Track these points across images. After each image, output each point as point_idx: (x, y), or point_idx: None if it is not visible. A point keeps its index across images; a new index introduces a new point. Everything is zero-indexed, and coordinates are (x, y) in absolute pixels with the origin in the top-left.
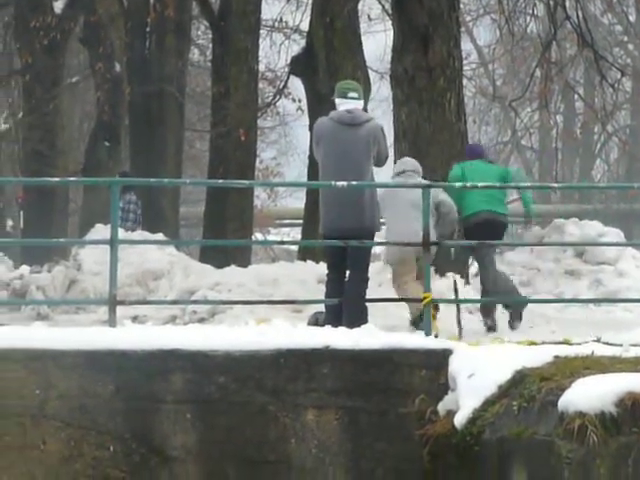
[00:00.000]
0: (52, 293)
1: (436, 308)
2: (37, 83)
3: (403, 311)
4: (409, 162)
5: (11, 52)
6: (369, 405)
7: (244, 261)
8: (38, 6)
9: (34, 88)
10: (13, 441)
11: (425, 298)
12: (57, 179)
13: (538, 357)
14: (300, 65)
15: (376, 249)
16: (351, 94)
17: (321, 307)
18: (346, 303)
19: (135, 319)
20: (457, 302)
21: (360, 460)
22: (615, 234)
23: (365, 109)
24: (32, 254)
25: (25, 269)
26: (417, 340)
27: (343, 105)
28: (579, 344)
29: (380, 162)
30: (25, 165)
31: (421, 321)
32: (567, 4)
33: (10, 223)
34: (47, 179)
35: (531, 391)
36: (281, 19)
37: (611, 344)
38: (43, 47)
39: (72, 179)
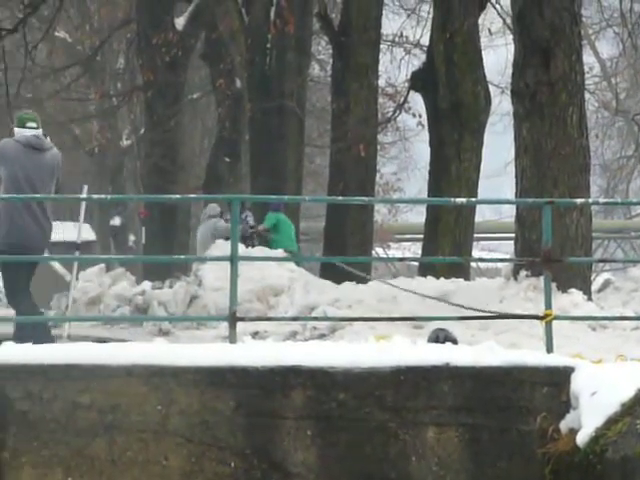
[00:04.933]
0: (173, 309)
1: None
2: (159, 99)
3: (524, 327)
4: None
5: (133, 69)
6: (490, 422)
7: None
8: (160, 23)
9: (156, 104)
10: (135, 457)
11: (547, 315)
12: (178, 196)
13: None
14: (420, 80)
15: (497, 265)
16: (29, 124)
17: (442, 324)
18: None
19: (255, 335)
20: (579, 319)
21: (482, 478)
22: None
23: (484, 124)
24: (154, 270)
25: (147, 285)
26: (539, 357)
27: (23, 134)
28: None
29: (58, 188)
30: (147, 180)
31: None
32: None
33: (132, 238)
34: (168, 196)
35: None
36: (401, 34)
37: None
38: (165, 63)
39: (192, 196)
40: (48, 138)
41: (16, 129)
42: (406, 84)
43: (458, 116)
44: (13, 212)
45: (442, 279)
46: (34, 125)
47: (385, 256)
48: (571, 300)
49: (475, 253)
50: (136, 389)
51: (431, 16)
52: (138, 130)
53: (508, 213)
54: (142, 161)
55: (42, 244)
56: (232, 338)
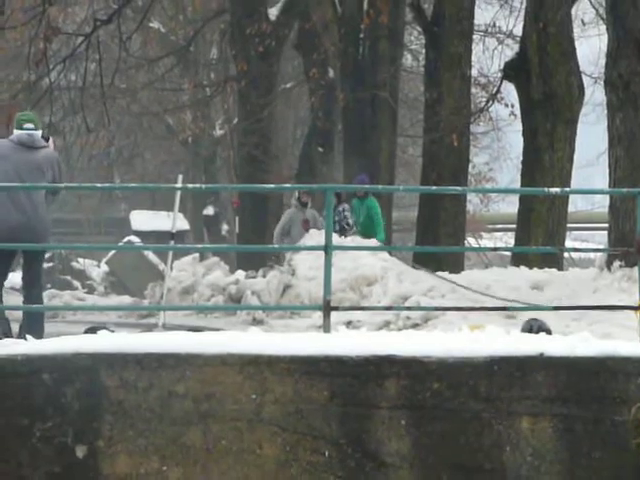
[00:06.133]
0: (267, 298)
1: None
2: (252, 89)
3: (618, 318)
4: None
5: (227, 59)
6: (584, 413)
7: (457, 266)
8: (253, 13)
9: (249, 94)
10: (230, 445)
11: None
12: (272, 185)
13: None
14: (513, 70)
15: (590, 255)
16: (27, 125)
17: (535, 314)
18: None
19: (349, 324)
20: None
21: (576, 469)
22: None
23: (577, 114)
24: (247, 259)
25: (240, 274)
26: (633, 348)
27: (17, 133)
28: None
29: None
30: (240, 170)
31: None
32: None
33: (225, 228)
34: (262, 185)
35: None
36: (494, 24)
37: None
38: (258, 54)
39: (286, 185)
40: (50, 141)
41: (14, 131)
42: (499, 74)
43: (551, 106)
44: (1, 207)
45: (535, 269)
46: (31, 126)
47: (477, 246)
48: None
49: (568, 243)
50: (231, 378)
51: (524, 6)
52: (231, 120)
53: (601, 203)
54: (235, 151)
55: (27, 236)
56: (326, 327)
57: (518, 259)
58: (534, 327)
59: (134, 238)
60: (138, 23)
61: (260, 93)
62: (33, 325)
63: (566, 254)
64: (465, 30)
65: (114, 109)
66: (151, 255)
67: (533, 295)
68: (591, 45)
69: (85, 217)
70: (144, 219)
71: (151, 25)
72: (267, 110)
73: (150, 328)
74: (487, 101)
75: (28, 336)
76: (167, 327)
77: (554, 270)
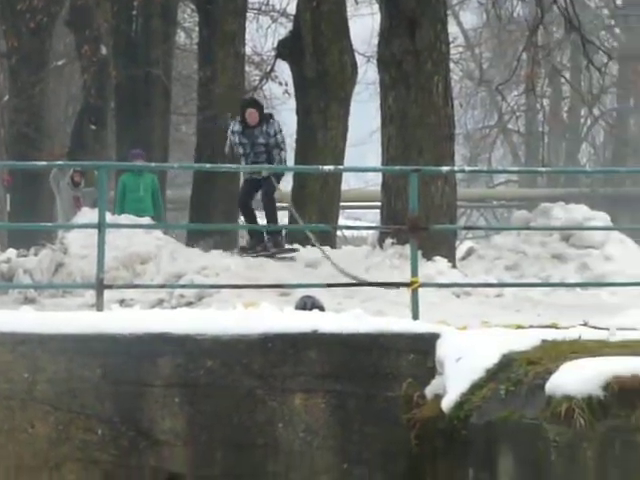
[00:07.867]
0: (39, 276)
1: None
2: (23, 66)
3: (390, 295)
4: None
5: None
6: (357, 389)
7: (231, 245)
8: None
9: (20, 71)
10: (1, 424)
11: (413, 283)
12: (44, 163)
13: (525, 341)
14: (287, 48)
15: (363, 233)
16: None
17: (309, 291)
18: None
19: (122, 303)
20: (444, 286)
21: (348, 444)
22: (601, 218)
23: (350, 92)
24: (19, 237)
25: (12, 252)
26: (405, 324)
27: None
28: (566, 328)
29: None
30: (11, 147)
31: None
32: None
33: None
34: (33, 163)
35: (518, 375)
36: (268, 2)
37: (598, 328)
38: (29, 30)
39: (59, 162)
40: None
41: None
42: (273, 52)
43: (324, 85)
44: None
45: (308, 247)
46: None
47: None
48: (436, 268)
49: (340, 222)
50: (2, 357)
51: None
52: (2, 97)
53: (374, 181)
54: (6, 128)
55: None
56: (99, 306)
57: (292, 237)
58: (308, 304)
59: None
60: None
61: (31, 70)
62: None
63: (339, 232)
64: (239, 8)
65: None
66: None
67: (307, 273)
68: (364, 24)
69: None
70: None
71: None
72: (39, 87)
73: None
74: (261, 79)
75: None
76: None
77: (327, 248)
